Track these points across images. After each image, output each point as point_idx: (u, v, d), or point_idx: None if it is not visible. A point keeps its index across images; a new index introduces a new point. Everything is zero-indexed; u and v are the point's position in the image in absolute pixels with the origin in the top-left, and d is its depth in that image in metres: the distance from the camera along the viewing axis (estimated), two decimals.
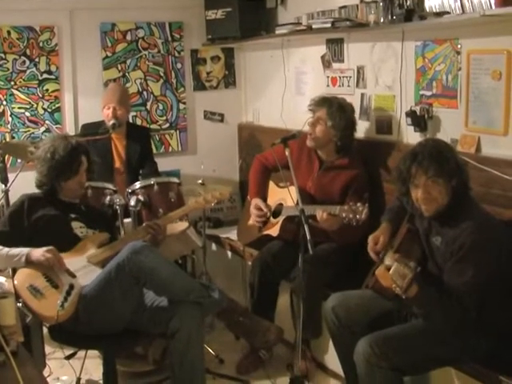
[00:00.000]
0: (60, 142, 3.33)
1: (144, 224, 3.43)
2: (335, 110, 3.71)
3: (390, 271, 2.62)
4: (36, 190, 3.39)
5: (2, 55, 4.60)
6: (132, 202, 3.67)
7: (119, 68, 4.96)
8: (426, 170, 2.69)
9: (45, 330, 3.27)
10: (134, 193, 3.84)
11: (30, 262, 3.03)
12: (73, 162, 3.31)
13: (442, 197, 2.72)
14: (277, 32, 4.47)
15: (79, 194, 3.47)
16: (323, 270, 3.55)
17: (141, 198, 3.76)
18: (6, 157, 4.14)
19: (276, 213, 3.91)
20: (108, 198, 3.70)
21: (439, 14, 3.16)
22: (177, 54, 5.16)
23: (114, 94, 4.38)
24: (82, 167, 3.36)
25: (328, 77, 4.33)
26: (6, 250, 3.05)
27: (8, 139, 4.63)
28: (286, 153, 3.25)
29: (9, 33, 4.59)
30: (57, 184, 3.33)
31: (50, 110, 4.79)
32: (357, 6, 3.84)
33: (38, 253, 3.02)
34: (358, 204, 3.10)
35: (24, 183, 3.52)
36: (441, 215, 2.77)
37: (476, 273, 2.60)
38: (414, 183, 2.75)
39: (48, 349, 3.61)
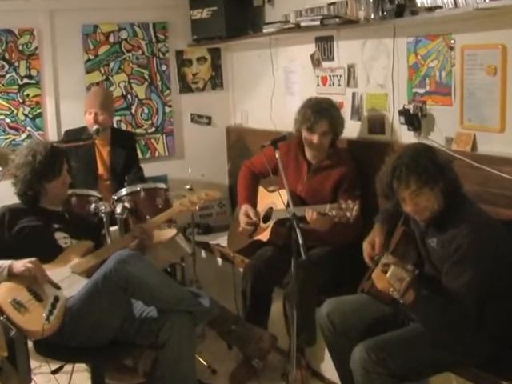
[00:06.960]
0: (38, 145, 3.34)
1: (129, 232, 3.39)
2: (336, 117, 3.71)
3: (388, 274, 2.59)
4: (16, 201, 3.35)
5: None
6: (118, 210, 3.59)
7: (102, 71, 4.91)
8: (407, 184, 2.66)
9: (30, 343, 3.20)
10: (120, 200, 3.78)
11: (12, 275, 2.98)
12: (55, 161, 3.31)
13: (431, 204, 2.70)
14: (264, 31, 4.44)
15: (63, 197, 3.46)
16: (317, 275, 3.51)
17: (127, 205, 3.69)
18: None
19: (266, 217, 3.88)
20: (93, 205, 3.63)
21: (431, 9, 3.16)
22: (161, 56, 5.12)
23: (95, 99, 4.32)
24: (64, 167, 3.36)
25: (318, 76, 4.31)
26: None
27: None
28: (276, 155, 3.20)
29: None
30: (41, 187, 3.30)
31: (31, 116, 4.73)
32: (346, 2, 3.82)
33: (20, 264, 2.98)
34: (349, 201, 3.06)
35: (5, 192, 3.44)
36: (436, 218, 2.74)
37: (474, 274, 2.58)
38: (400, 197, 2.74)
39: (33, 363, 3.54)
